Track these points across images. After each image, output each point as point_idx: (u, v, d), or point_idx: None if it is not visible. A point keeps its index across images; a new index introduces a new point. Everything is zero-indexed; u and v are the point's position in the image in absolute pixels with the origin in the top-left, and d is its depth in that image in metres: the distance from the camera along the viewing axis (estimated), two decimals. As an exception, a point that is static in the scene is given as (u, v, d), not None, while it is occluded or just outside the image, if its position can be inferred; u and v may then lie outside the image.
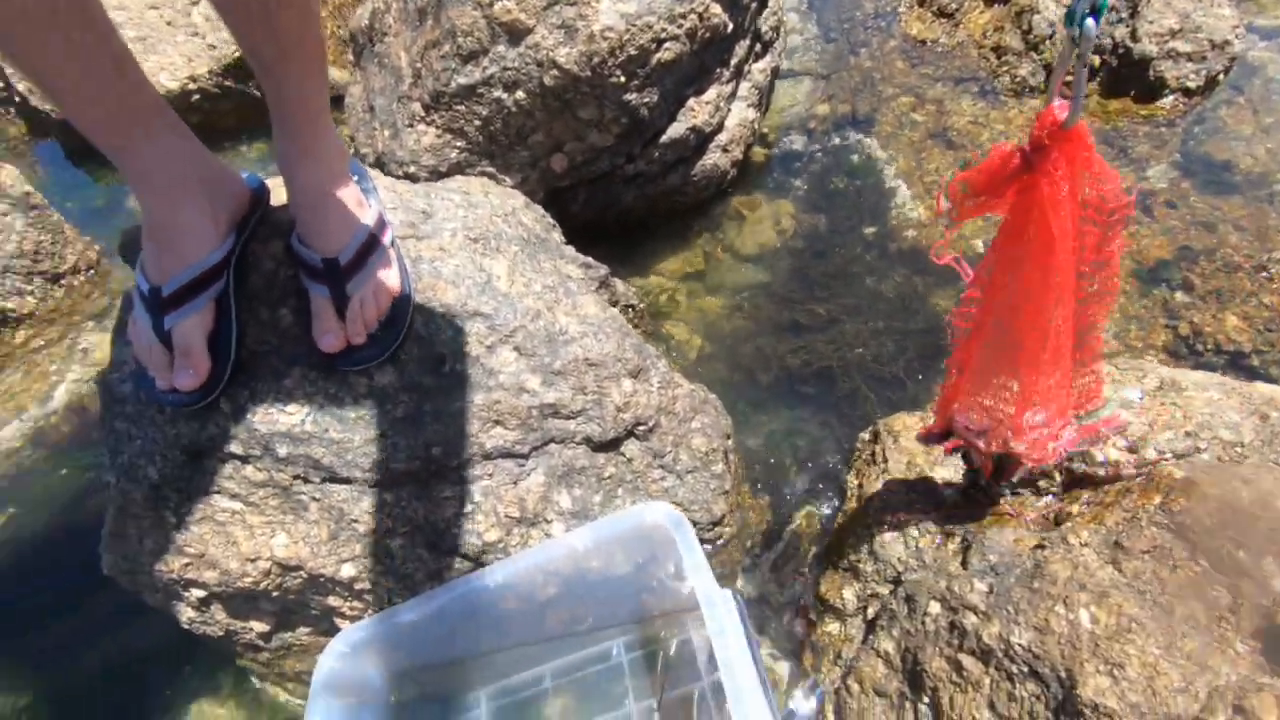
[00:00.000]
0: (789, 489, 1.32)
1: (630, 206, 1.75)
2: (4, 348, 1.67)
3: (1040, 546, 0.82)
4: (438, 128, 1.55)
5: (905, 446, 1.11)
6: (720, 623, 0.78)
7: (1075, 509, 0.87)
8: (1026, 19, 2.00)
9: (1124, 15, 1.87)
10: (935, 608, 0.86)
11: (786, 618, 1.19)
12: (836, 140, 1.97)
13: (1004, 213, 0.63)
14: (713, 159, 1.71)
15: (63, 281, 1.73)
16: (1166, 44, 1.81)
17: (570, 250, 1.38)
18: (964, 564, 0.88)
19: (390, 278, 0.99)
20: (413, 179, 1.61)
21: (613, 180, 1.67)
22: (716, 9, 1.49)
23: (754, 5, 1.64)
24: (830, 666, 1.00)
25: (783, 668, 1.14)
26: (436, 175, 1.59)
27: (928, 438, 0.90)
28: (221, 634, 1.08)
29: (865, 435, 1.24)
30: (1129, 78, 1.86)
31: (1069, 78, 0.56)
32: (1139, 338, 1.46)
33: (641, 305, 1.57)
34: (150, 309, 0.89)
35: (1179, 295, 1.50)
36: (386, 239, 1.02)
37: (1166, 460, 0.84)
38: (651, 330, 1.62)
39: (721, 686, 1.04)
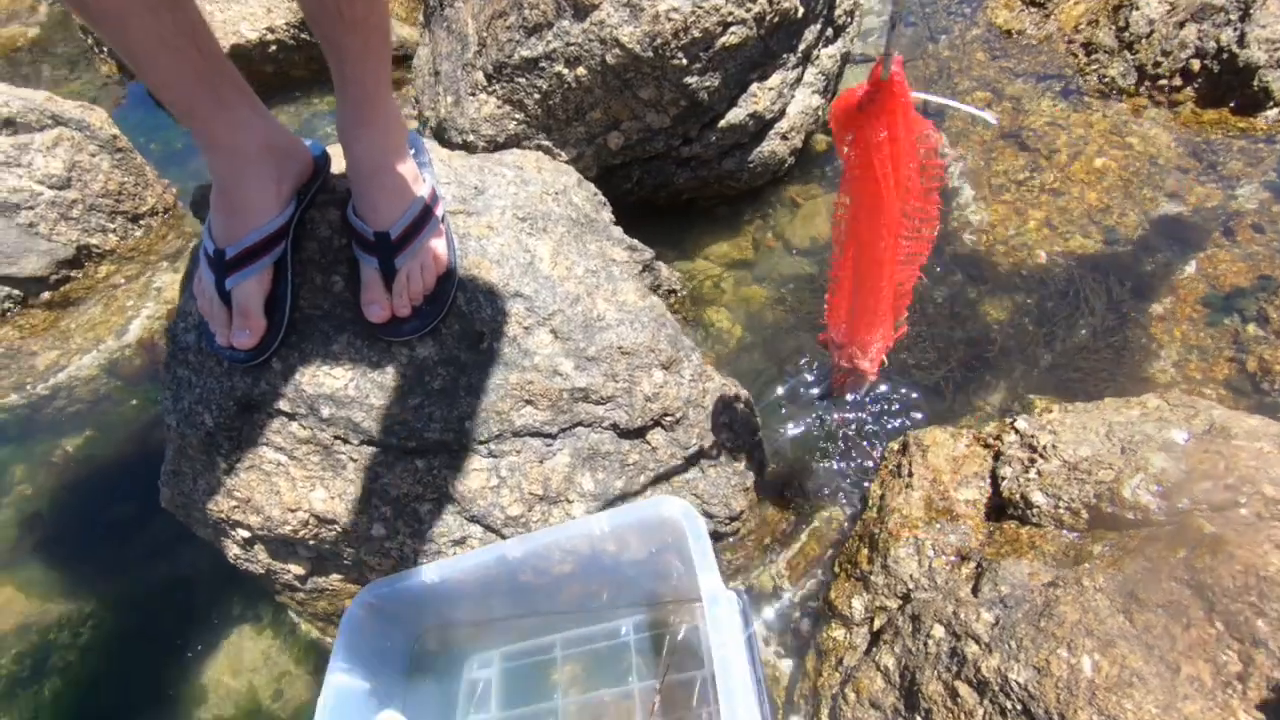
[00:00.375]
0: (813, 488, 1.33)
1: (683, 188, 1.74)
2: (87, 280, 1.78)
3: (1054, 584, 0.81)
4: (498, 98, 1.57)
5: (932, 463, 1.10)
6: (720, 621, 0.80)
7: (1097, 549, 0.85)
8: (1124, 14, 1.88)
9: (1232, 17, 1.73)
10: (939, 631, 0.86)
11: (795, 615, 1.20)
12: (903, 133, 1.90)
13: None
14: (771, 146, 1.68)
15: (142, 222, 1.83)
16: (1278, 52, 1.68)
17: (618, 231, 1.39)
18: (975, 590, 0.88)
19: (438, 254, 1.02)
20: (470, 148, 1.63)
21: (667, 161, 1.66)
22: (788, -7, 1.44)
23: (829, -12, 1.59)
24: (831, 672, 1.02)
25: (786, 664, 1.17)
26: (494, 146, 1.61)
27: (824, 342, 0.97)
28: (262, 572, 1.16)
29: (894, 445, 1.23)
30: (1230, 86, 1.74)
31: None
32: (1199, 369, 1.39)
33: (684, 292, 1.58)
34: (214, 269, 0.95)
35: (1252, 328, 1.42)
36: (438, 214, 1.04)
37: (1200, 511, 0.82)
38: (692, 317, 1.63)
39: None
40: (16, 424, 1.67)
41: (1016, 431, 1.06)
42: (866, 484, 1.29)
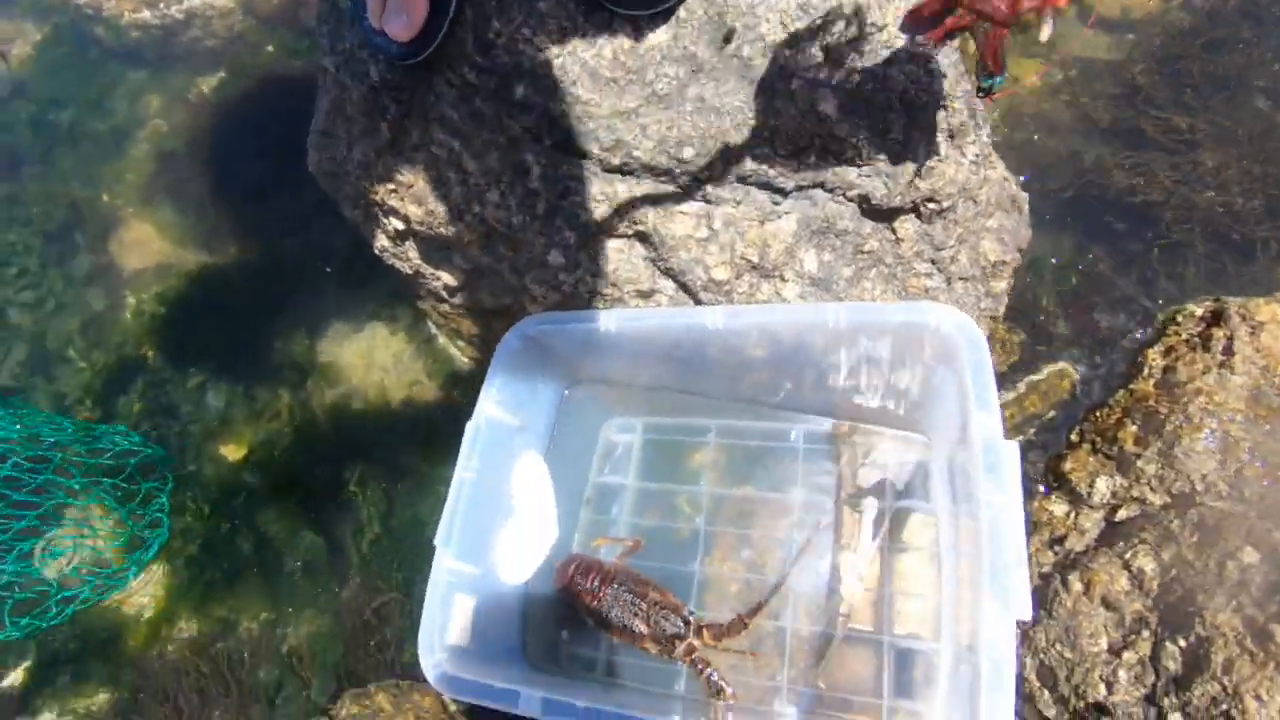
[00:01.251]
0: (1051, 332, 1.08)
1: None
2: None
3: None
4: None
5: (1266, 345, 0.83)
6: (1000, 480, 0.63)
7: None
8: None
9: None
10: (1251, 556, 0.67)
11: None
12: None
13: None
14: None
15: None
16: None
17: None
18: (1320, 524, 0.66)
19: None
20: None
21: None
22: None
23: None
24: (1042, 548, 0.86)
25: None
26: None
27: (917, 21, 0.70)
28: (410, 272, 1.03)
29: (1196, 310, 0.95)
30: None
31: None
32: None
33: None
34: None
35: None
36: None
37: None
38: (947, 83, 1.26)
39: (901, 514, 0.94)
40: (152, 46, 1.51)
41: None
42: (1132, 343, 1.03)
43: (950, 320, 0.71)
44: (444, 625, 0.79)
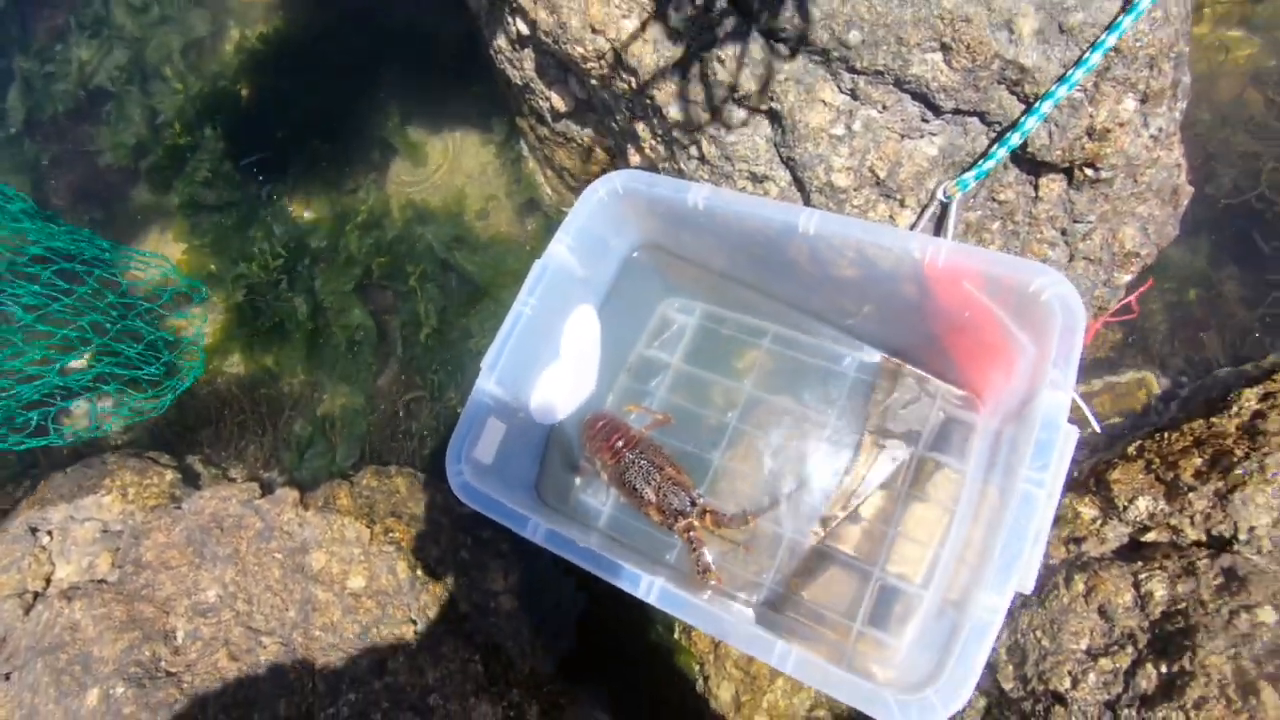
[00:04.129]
0: (1148, 339, 1.02)
1: None
2: None
3: None
4: None
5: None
6: (1047, 459, 0.62)
7: None
8: None
9: None
10: (1269, 616, 0.67)
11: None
12: None
13: None
14: None
15: None
16: None
17: None
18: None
19: None
20: None
21: None
22: None
23: None
24: (1057, 543, 0.87)
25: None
26: None
27: None
28: (519, 83, 0.98)
29: (1317, 361, 0.88)
30: None
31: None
32: None
33: None
34: None
35: None
36: None
37: None
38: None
39: (928, 465, 0.93)
40: None
41: None
42: (1218, 374, 0.97)
43: (1056, 290, 0.67)
44: (474, 441, 0.82)
